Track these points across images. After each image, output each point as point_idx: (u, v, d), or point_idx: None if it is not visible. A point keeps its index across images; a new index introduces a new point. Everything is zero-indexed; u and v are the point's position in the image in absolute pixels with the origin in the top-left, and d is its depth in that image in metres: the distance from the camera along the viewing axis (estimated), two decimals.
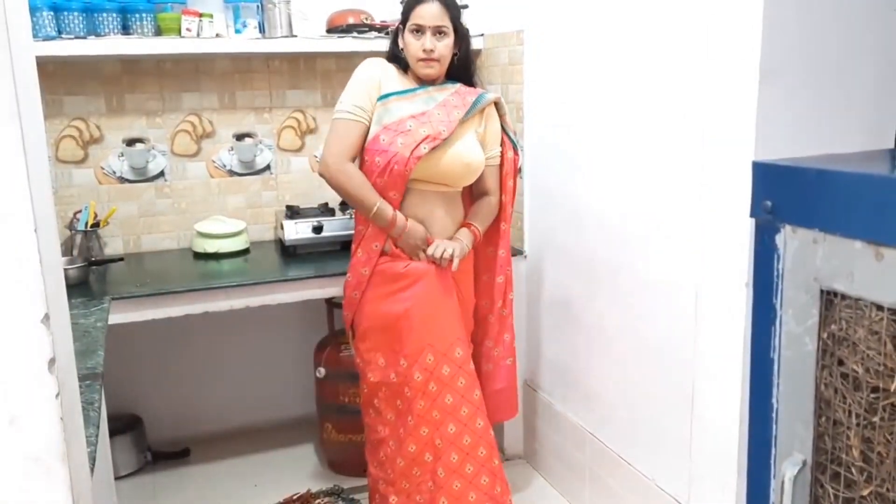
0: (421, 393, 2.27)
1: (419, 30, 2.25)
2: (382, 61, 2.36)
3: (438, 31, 2.25)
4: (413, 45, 2.26)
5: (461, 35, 2.33)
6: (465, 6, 3.07)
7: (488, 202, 2.43)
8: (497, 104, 2.42)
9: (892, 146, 1.57)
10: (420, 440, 2.29)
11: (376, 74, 2.30)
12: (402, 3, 2.34)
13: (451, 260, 2.26)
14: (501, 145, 2.44)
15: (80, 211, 2.85)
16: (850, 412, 0.95)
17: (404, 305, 2.28)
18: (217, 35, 2.78)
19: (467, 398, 2.29)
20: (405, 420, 2.31)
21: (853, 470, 0.97)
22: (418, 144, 2.20)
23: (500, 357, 2.56)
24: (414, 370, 2.27)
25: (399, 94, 2.29)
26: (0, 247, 0.78)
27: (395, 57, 2.36)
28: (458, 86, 2.37)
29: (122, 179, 3.00)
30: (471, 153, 2.32)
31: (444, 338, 2.28)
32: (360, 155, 2.31)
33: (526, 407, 3.04)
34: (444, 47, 2.27)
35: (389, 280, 2.30)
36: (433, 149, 2.22)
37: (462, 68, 2.38)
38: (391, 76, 2.33)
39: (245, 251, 3.00)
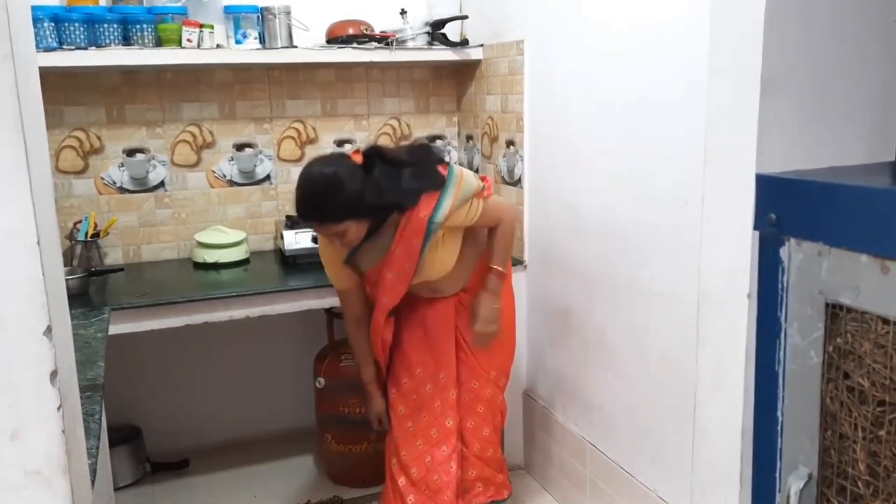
0: (404, 400, 2.40)
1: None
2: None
3: (333, 235, 2.11)
4: None
5: (363, 206, 2.07)
6: (465, 17, 3.09)
7: (497, 232, 2.32)
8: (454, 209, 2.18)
9: (894, 158, 1.57)
10: (390, 444, 2.42)
11: (330, 250, 2.26)
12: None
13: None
14: (476, 196, 2.23)
15: (80, 221, 2.84)
16: (856, 426, 0.95)
17: (408, 322, 2.40)
18: (218, 46, 2.79)
19: (439, 422, 2.38)
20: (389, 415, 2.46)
21: (859, 484, 0.96)
22: (389, 309, 2.30)
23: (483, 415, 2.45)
24: (404, 376, 2.40)
25: (357, 250, 2.22)
26: (4, 260, 0.78)
27: None
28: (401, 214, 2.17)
29: (123, 190, 3.00)
30: (439, 268, 2.27)
31: (435, 360, 2.38)
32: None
33: (526, 417, 3.04)
34: (350, 236, 2.11)
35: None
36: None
37: (377, 215, 2.13)
38: None
39: (245, 261, 3.00)
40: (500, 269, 2.32)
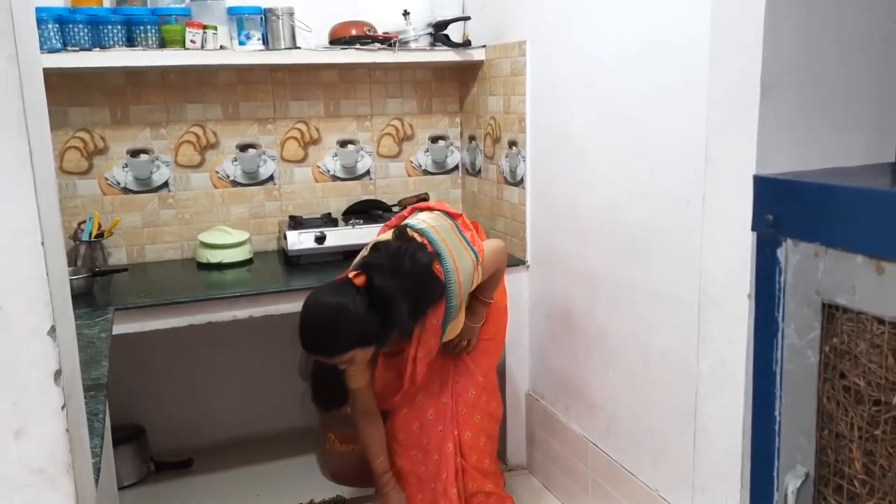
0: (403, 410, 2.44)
1: None
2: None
3: (340, 363, 2.11)
4: None
5: (368, 336, 2.06)
6: (468, 18, 3.09)
7: (493, 275, 2.36)
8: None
9: (892, 160, 1.58)
10: (397, 447, 2.46)
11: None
12: None
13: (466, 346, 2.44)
14: (475, 267, 2.24)
15: (84, 221, 2.85)
16: (852, 425, 0.96)
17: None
18: (221, 47, 2.80)
19: (440, 440, 2.42)
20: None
21: (856, 483, 0.97)
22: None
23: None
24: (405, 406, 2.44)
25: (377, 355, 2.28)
26: (8, 259, 0.79)
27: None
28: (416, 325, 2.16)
29: (127, 190, 3.01)
30: (456, 330, 2.33)
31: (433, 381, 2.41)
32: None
33: (529, 416, 3.04)
34: (357, 360, 2.12)
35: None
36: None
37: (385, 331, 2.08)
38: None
39: (248, 261, 3.01)
40: (488, 301, 2.40)
